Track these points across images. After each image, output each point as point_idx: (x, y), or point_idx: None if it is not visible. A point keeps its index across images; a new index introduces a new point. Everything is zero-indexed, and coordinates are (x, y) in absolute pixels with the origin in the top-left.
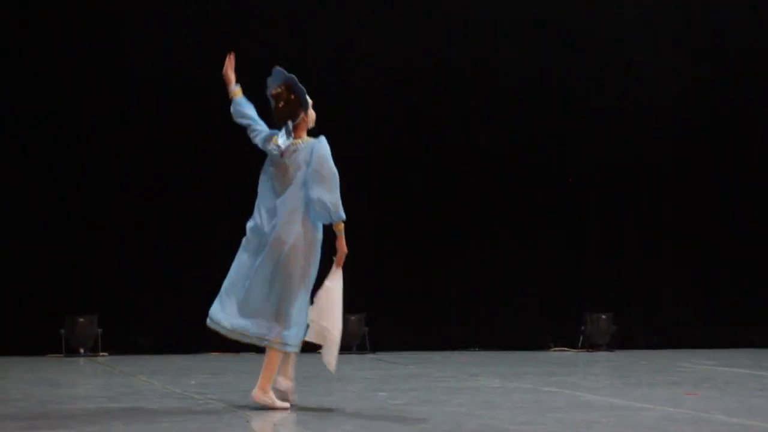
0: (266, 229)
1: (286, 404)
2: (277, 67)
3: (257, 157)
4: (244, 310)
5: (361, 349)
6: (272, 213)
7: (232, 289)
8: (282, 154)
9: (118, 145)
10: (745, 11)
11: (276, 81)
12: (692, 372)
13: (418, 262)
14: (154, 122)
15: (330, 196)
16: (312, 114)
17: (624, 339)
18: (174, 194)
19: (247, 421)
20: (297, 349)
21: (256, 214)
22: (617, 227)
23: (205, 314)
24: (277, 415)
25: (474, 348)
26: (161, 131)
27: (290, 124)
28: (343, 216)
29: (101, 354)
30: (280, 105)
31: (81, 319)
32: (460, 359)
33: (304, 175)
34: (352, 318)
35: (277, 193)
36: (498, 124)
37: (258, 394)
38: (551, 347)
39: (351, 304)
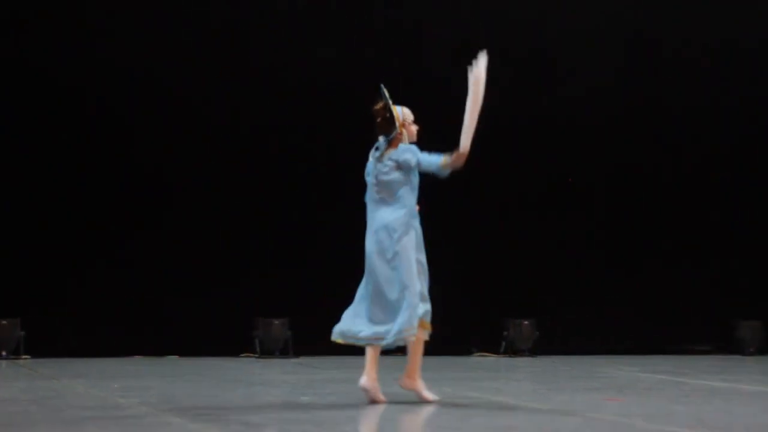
0: None
1: (435, 396)
2: (381, 85)
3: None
4: None
5: (284, 353)
6: None
7: None
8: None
9: (83, 150)
10: None
11: (378, 98)
12: (614, 378)
13: (342, 268)
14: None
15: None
16: (411, 130)
17: (546, 345)
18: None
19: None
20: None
21: None
22: (538, 234)
23: (127, 316)
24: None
25: (396, 353)
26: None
27: (382, 139)
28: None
29: (23, 357)
30: (378, 121)
31: (4, 322)
32: None
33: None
34: (276, 322)
35: None
36: None
37: (407, 382)
38: (474, 352)
39: (275, 308)
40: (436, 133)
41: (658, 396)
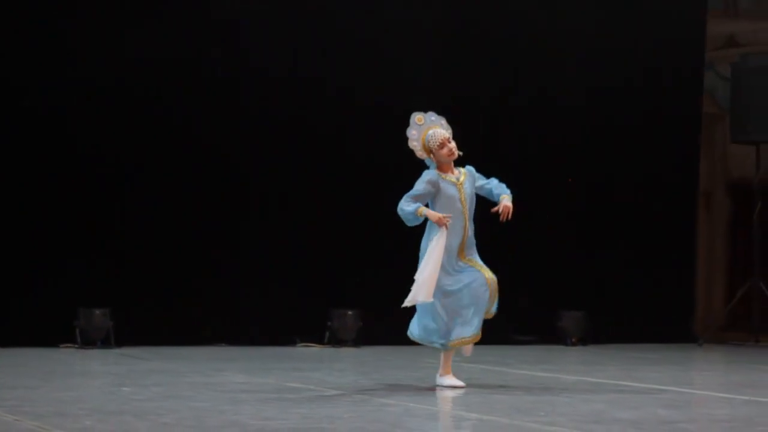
0: None
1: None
2: (412, 115)
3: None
4: None
5: (106, 343)
6: None
7: None
8: None
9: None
10: None
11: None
12: (437, 368)
13: (166, 256)
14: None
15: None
16: (439, 154)
17: (371, 335)
18: None
19: None
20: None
21: None
22: (361, 224)
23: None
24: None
25: (221, 343)
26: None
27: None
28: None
29: None
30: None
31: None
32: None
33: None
34: (97, 312)
35: None
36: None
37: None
38: (298, 343)
39: (96, 298)
40: None
41: (478, 385)
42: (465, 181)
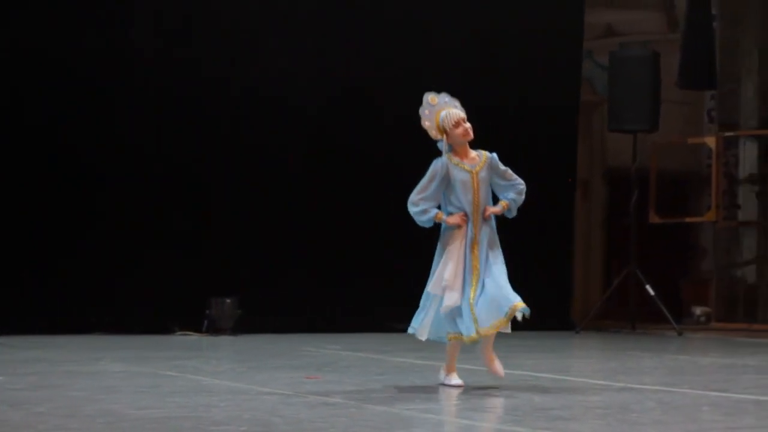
0: None
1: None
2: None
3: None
4: None
5: None
6: None
7: None
8: None
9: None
10: None
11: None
12: (315, 356)
13: (42, 243)
14: None
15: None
16: (454, 134)
17: (250, 323)
18: None
19: None
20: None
21: None
22: (240, 211)
23: None
24: None
25: (98, 332)
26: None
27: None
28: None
29: None
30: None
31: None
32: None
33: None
34: None
35: None
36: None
37: None
38: (176, 331)
39: None
40: None
41: (356, 373)
42: (482, 168)
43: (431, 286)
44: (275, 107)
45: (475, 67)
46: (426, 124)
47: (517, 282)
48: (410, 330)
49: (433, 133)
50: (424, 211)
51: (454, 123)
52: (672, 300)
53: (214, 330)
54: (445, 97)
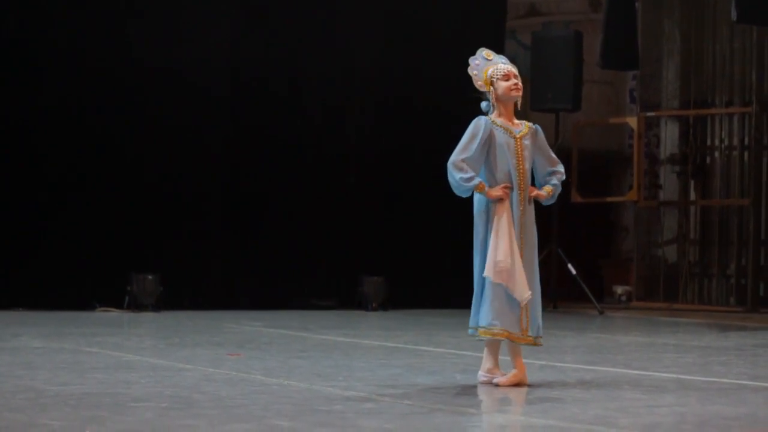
0: None
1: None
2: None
3: None
4: None
5: None
6: None
7: None
8: None
9: None
10: None
11: None
12: (237, 333)
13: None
14: None
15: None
16: (499, 86)
17: (172, 300)
18: None
19: None
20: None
21: None
22: (162, 187)
23: None
24: None
25: (18, 308)
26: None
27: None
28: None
29: None
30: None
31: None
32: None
33: None
34: None
35: None
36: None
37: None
38: (96, 307)
39: None
40: None
41: (278, 350)
42: (526, 136)
43: (486, 271)
44: (191, 87)
45: (397, 45)
46: (473, 72)
47: (439, 261)
48: (471, 331)
49: (478, 84)
50: (470, 179)
51: (503, 75)
52: (593, 279)
53: (136, 306)
54: (501, 58)
